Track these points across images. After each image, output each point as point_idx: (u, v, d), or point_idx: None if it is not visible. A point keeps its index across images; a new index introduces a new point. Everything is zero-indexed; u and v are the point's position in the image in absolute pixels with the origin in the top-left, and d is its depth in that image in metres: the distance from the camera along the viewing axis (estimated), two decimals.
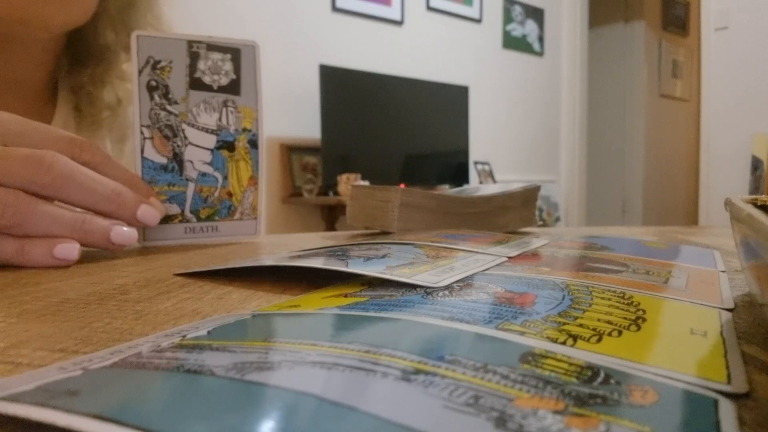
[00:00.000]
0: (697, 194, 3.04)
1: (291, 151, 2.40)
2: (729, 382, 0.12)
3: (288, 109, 2.36)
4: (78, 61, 0.56)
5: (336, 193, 2.30)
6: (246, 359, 0.12)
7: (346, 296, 0.19)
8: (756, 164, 2.64)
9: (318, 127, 2.33)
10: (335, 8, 2.57)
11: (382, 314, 0.16)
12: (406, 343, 0.13)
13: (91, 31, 0.54)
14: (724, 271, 0.27)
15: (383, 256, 0.25)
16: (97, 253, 0.36)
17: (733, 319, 0.17)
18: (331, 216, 2.42)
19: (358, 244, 0.31)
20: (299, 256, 0.26)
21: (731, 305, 0.19)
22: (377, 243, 0.30)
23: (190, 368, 0.11)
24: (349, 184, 2.11)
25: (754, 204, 0.20)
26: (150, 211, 0.35)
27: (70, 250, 0.31)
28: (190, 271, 0.27)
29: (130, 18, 0.56)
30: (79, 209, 0.33)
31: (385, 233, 0.45)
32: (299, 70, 2.40)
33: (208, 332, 0.14)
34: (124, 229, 0.33)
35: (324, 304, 0.18)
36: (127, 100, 0.59)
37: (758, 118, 2.62)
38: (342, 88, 2.40)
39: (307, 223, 2.49)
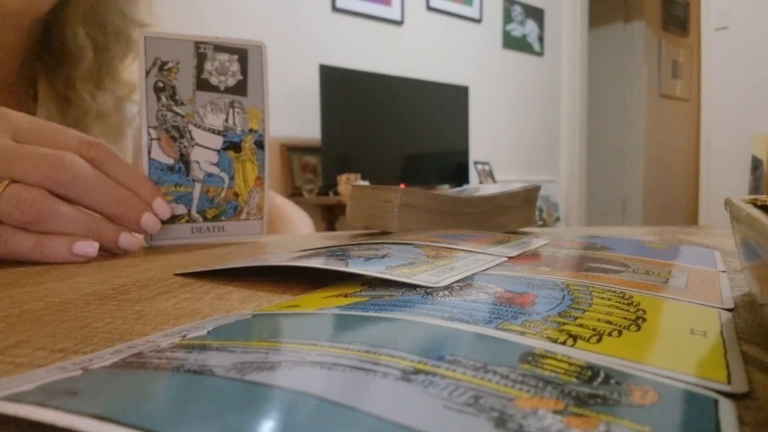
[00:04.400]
0: (697, 194, 3.05)
1: (291, 151, 2.40)
2: (729, 382, 0.12)
3: (288, 109, 2.36)
4: (54, 62, 0.55)
5: (336, 193, 2.30)
6: (246, 359, 0.12)
7: (346, 296, 0.19)
8: (756, 164, 2.64)
9: (318, 127, 2.33)
10: (335, 8, 2.57)
11: (382, 314, 0.16)
12: (406, 343, 0.13)
13: (60, 27, 0.53)
14: (724, 271, 0.27)
15: (383, 256, 0.25)
16: (98, 253, 0.36)
17: (733, 319, 0.17)
18: (331, 216, 2.42)
19: (358, 244, 0.31)
20: (299, 256, 0.26)
21: (731, 305, 0.19)
22: (377, 243, 0.30)
23: (190, 368, 0.11)
24: (349, 184, 2.12)
25: (754, 204, 0.20)
26: (153, 220, 0.36)
27: (89, 247, 0.32)
28: (190, 271, 0.27)
29: (104, 15, 0.55)
30: (85, 210, 0.34)
31: (385, 233, 0.45)
32: (299, 70, 2.40)
33: (208, 332, 0.14)
34: (131, 235, 0.35)
35: (324, 304, 0.18)
36: (112, 108, 0.57)
37: (758, 118, 2.62)
38: (342, 88, 2.40)
39: None
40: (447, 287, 0.20)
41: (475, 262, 0.26)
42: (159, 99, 0.38)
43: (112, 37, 0.56)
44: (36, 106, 0.55)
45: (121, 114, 0.59)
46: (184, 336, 0.14)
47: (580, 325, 0.15)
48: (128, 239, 0.35)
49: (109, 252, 0.35)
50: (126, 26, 0.56)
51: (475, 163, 3.07)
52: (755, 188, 2.61)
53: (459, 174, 2.87)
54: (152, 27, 0.58)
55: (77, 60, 0.54)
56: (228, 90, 0.40)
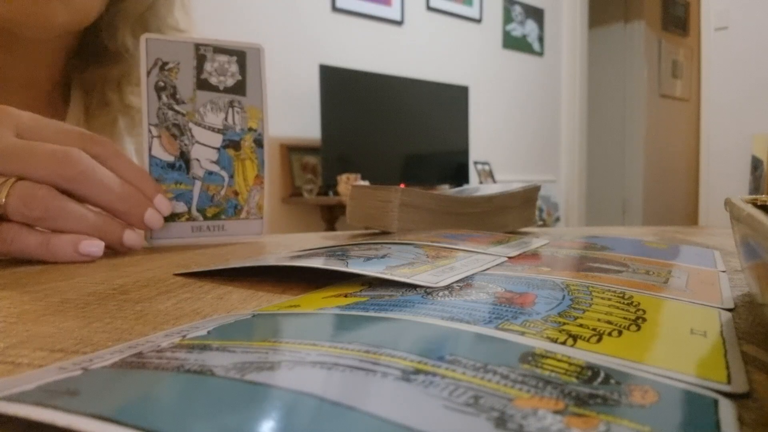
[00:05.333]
0: (697, 194, 3.04)
1: (291, 151, 2.40)
2: (729, 382, 0.12)
3: (288, 109, 2.36)
4: (91, 62, 0.56)
5: (336, 193, 2.30)
6: (246, 359, 0.12)
7: (346, 296, 0.19)
8: (756, 164, 2.64)
9: (318, 127, 2.33)
10: (335, 8, 2.57)
11: (382, 314, 0.16)
12: (406, 343, 0.13)
13: (107, 32, 0.54)
14: (724, 271, 0.27)
15: (383, 256, 0.25)
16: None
17: (733, 319, 0.17)
18: (331, 216, 2.42)
19: (358, 244, 0.31)
20: (299, 256, 0.26)
21: (731, 305, 0.19)
22: (377, 243, 0.30)
23: (190, 368, 0.11)
24: (349, 184, 2.12)
25: (754, 204, 0.20)
26: (156, 216, 0.37)
27: (95, 246, 0.32)
28: (190, 271, 0.27)
29: (149, 22, 0.55)
30: (90, 206, 0.34)
31: (385, 233, 0.45)
32: (299, 70, 2.40)
33: (208, 332, 0.14)
34: (135, 233, 0.35)
35: (324, 304, 0.18)
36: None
37: (758, 118, 2.62)
38: (342, 88, 2.40)
39: (307, 223, 2.49)
40: (447, 287, 0.20)
41: (475, 262, 0.26)
42: (160, 98, 0.39)
43: None
44: (67, 109, 0.56)
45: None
46: (185, 336, 0.14)
47: (580, 325, 0.15)
48: (132, 237, 0.35)
49: (113, 250, 0.35)
50: (168, 32, 0.57)
51: (475, 163, 3.07)
52: (755, 188, 2.61)
53: (459, 174, 2.87)
54: (189, 32, 0.59)
55: (126, 64, 0.55)
56: (227, 90, 0.41)
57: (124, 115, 0.57)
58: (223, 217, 0.41)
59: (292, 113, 2.37)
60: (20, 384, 0.10)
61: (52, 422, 0.09)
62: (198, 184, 0.40)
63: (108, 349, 0.14)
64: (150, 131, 0.39)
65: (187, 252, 0.37)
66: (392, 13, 2.78)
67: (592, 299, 0.18)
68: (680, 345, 0.14)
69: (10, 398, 0.10)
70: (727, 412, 0.10)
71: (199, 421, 0.09)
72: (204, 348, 0.13)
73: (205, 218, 0.41)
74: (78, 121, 0.56)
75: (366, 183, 2.15)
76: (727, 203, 0.20)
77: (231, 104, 0.41)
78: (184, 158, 0.40)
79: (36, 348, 0.15)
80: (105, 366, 0.12)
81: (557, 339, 0.14)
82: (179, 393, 0.10)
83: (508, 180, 3.16)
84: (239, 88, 0.41)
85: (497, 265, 0.26)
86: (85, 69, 0.56)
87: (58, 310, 0.20)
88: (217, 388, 0.10)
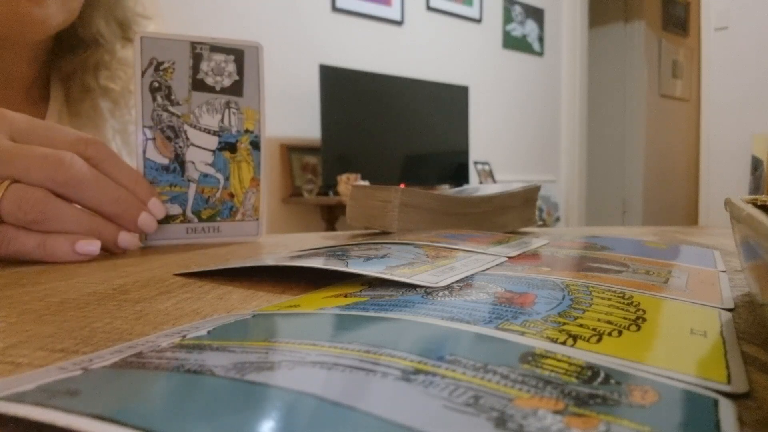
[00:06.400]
0: (697, 194, 3.04)
1: (291, 151, 2.40)
2: (729, 382, 0.12)
3: (288, 109, 2.36)
4: (67, 52, 0.57)
5: (336, 193, 2.30)
6: (246, 359, 0.12)
7: (346, 296, 0.19)
8: (756, 164, 2.64)
9: (318, 127, 2.33)
10: (335, 8, 2.57)
11: (382, 314, 0.16)
12: (406, 343, 0.13)
13: (81, 23, 0.55)
14: (724, 271, 0.27)
15: (383, 256, 0.25)
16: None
17: (733, 319, 0.17)
18: (331, 216, 2.42)
19: (358, 244, 0.31)
20: (299, 256, 0.26)
21: (731, 305, 0.19)
22: (377, 243, 0.30)
23: (190, 368, 0.11)
24: (349, 184, 2.11)
25: (754, 204, 0.20)
26: (150, 219, 0.37)
27: (92, 245, 0.32)
28: (190, 271, 0.27)
29: (119, 10, 0.57)
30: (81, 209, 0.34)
31: (385, 233, 0.45)
32: (299, 70, 2.40)
33: (208, 332, 0.14)
34: (129, 235, 0.35)
35: (324, 304, 0.18)
36: (128, 90, 0.59)
37: (758, 118, 2.62)
38: (342, 88, 2.40)
39: (307, 223, 2.49)
40: (447, 287, 0.20)
41: (475, 262, 0.26)
42: (154, 99, 0.38)
43: (126, 30, 0.59)
44: (47, 105, 0.56)
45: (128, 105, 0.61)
46: (184, 336, 0.14)
47: (580, 325, 0.15)
48: (127, 238, 0.35)
49: (108, 251, 0.35)
50: (136, 19, 0.59)
51: (475, 163, 3.07)
52: (755, 188, 2.61)
53: (459, 174, 2.87)
54: (154, 18, 0.61)
55: (101, 50, 0.56)
56: (224, 90, 0.40)
57: (105, 98, 0.58)
58: (218, 219, 0.41)
59: (292, 113, 2.37)
60: (20, 384, 0.10)
61: (52, 422, 0.09)
62: (193, 186, 0.40)
63: (108, 349, 0.14)
64: (144, 133, 0.38)
65: (186, 252, 0.37)
66: (392, 13, 2.78)
67: (592, 299, 0.18)
68: (680, 345, 0.14)
69: (10, 398, 0.10)
70: (727, 412, 0.10)
71: (199, 421, 0.09)
72: (204, 348, 0.13)
73: (200, 220, 0.41)
74: (60, 113, 0.57)
75: (366, 183, 2.15)
76: (727, 203, 0.20)
77: (227, 105, 0.41)
78: (179, 161, 0.39)
79: (36, 348, 0.15)
80: (105, 366, 0.12)
81: (557, 339, 0.14)
82: (179, 393, 0.10)
83: (508, 180, 3.16)
84: (236, 89, 0.41)
85: (497, 265, 0.26)
86: (62, 58, 0.57)
87: (58, 310, 0.20)
88: (216, 388, 0.10)
